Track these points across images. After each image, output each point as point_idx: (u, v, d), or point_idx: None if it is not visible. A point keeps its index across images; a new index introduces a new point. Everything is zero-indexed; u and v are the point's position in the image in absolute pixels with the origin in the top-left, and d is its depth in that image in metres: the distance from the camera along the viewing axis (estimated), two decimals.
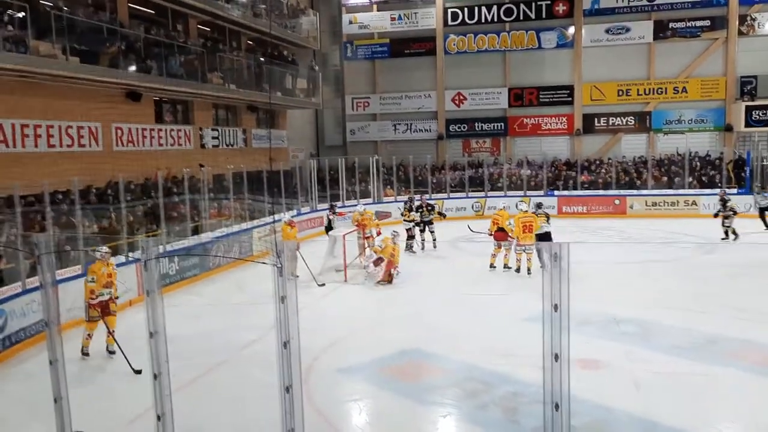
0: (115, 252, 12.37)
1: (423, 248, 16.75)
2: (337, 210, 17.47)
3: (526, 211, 13.87)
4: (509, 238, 13.75)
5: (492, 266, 13.99)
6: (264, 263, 6.66)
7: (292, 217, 16.38)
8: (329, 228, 16.27)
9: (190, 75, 17.06)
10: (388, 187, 24.04)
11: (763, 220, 18.35)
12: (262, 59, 20.86)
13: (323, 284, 13.27)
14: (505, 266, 13.86)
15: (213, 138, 19.56)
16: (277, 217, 17.02)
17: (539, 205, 14.78)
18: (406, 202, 17.77)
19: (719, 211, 17.26)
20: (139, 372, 8.15)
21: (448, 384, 7.95)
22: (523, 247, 13.45)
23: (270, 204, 17.78)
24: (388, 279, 13.18)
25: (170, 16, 17.92)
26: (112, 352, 9.04)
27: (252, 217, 17.03)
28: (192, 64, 17.29)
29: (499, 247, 13.94)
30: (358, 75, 28.47)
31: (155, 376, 5.21)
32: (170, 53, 16.38)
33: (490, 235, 14.20)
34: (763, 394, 7.36)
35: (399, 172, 24.72)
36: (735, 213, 17.10)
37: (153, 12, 17.47)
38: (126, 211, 13.09)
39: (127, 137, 16.17)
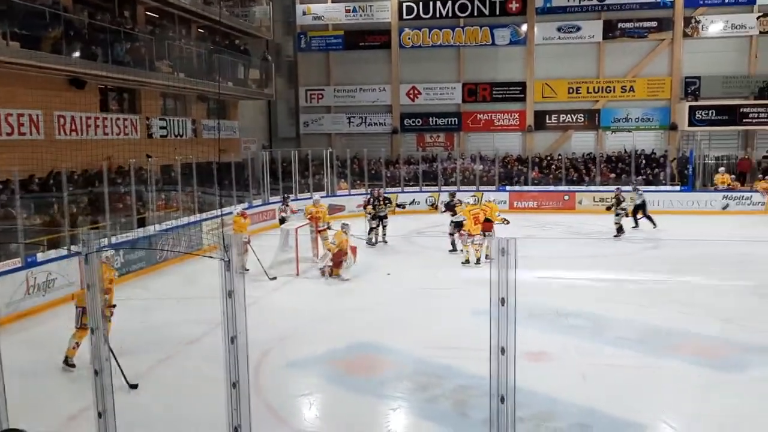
0: (55, 245, 11.96)
1: (375, 243, 16.70)
2: (290, 204, 17.28)
3: (475, 204, 14.12)
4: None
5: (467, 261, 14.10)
6: (211, 257, 6.52)
7: (244, 209, 16.12)
8: (282, 222, 16.16)
9: (138, 63, 16.58)
10: (342, 180, 23.91)
11: (635, 217, 18.47)
12: (212, 48, 20.41)
13: (275, 278, 13.12)
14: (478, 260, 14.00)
15: (161, 128, 19.08)
16: (227, 209, 16.72)
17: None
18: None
19: (612, 206, 17.91)
20: (135, 387, 7.54)
21: (399, 377, 7.95)
22: (472, 239, 13.82)
23: (220, 196, 17.47)
24: (337, 271, 13.09)
25: (117, 1, 17.36)
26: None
27: (201, 209, 16.69)
28: (139, 51, 16.80)
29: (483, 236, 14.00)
30: (312, 66, 28.21)
31: (96, 373, 5.04)
32: (116, 40, 15.87)
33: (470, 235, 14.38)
34: (702, 384, 7.60)
35: (353, 165, 24.63)
36: (626, 213, 17.89)
37: None
38: (68, 202, 12.65)
39: (70, 126, 15.61)
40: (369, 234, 16.67)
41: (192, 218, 15.95)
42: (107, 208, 13.39)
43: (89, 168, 15.45)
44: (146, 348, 8.91)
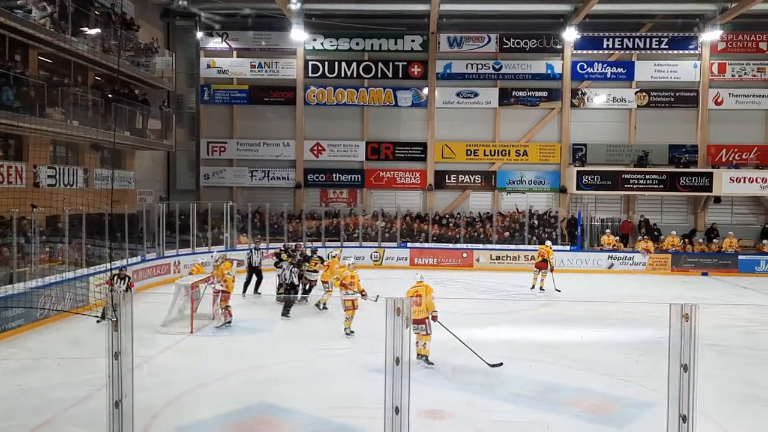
0: None
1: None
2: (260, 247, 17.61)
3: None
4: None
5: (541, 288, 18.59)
6: (96, 317, 6.17)
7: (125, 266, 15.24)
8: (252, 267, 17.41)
9: (27, 108, 15.77)
10: (243, 234, 23.49)
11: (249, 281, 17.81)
12: (109, 96, 19.75)
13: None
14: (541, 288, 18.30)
15: (49, 176, 18.09)
16: (116, 263, 15.93)
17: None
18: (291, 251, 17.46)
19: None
20: None
21: None
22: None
23: (110, 249, 16.65)
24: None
25: (7, 44, 16.57)
26: None
27: (90, 263, 15.79)
28: (29, 96, 16.02)
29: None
30: (215, 119, 27.89)
31: None
32: (5, 84, 15.08)
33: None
34: None
35: (255, 219, 24.29)
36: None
37: None
38: None
39: None
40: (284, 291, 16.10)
41: (79, 272, 15.05)
42: None
43: None
44: (22, 413, 8.20)
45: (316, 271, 16.41)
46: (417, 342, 10.91)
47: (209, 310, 14.16)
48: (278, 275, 16.69)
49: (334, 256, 16.89)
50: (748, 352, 12.24)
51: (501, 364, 10.51)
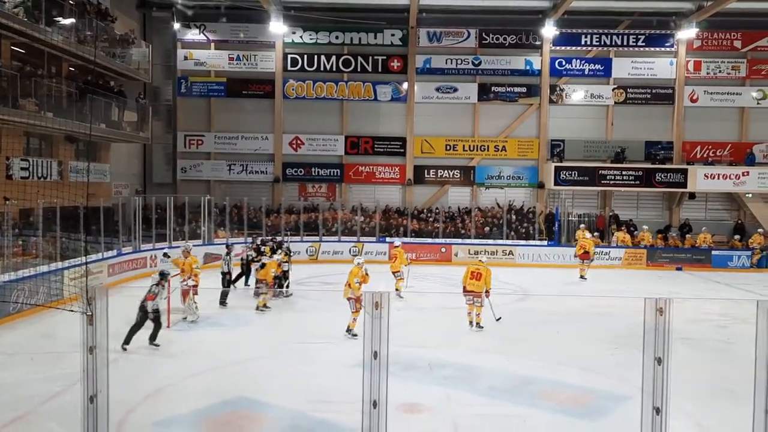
0: None
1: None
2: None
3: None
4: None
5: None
6: (72, 310, 6.09)
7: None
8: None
9: None
10: (221, 228, 23.33)
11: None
12: (84, 87, 19.44)
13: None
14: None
15: (22, 169, 17.78)
16: (92, 257, 15.73)
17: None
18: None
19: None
20: None
21: None
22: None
23: (86, 242, 16.42)
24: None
25: None
26: None
27: (64, 256, 15.56)
28: (1, 87, 15.71)
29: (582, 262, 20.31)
30: (192, 112, 27.60)
31: None
32: None
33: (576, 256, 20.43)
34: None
35: (232, 213, 24.13)
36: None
37: None
38: None
39: None
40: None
41: (53, 266, 14.82)
42: None
43: None
44: None
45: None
46: (469, 312, 13.26)
47: (182, 306, 14.02)
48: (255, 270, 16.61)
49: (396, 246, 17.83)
50: (721, 346, 12.47)
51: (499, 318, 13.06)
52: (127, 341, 11.02)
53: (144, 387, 9.02)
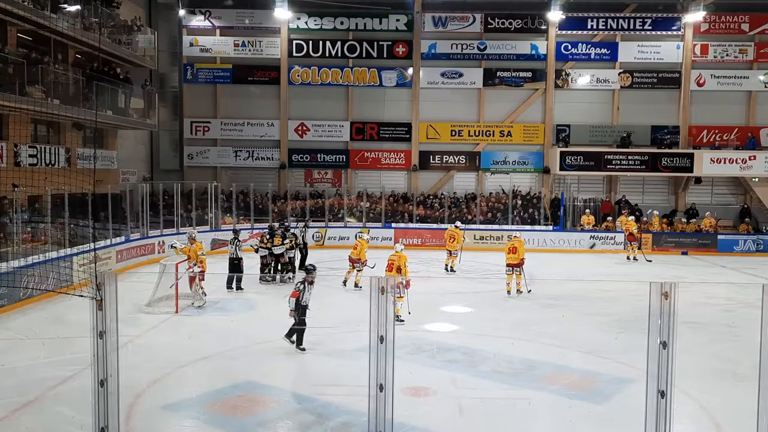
0: None
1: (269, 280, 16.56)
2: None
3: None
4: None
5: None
6: (81, 296, 6.17)
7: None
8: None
9: (7, 86, 15.52)
10: (227, 214, 23.42)
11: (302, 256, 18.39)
12: (90, 74, 19.47)
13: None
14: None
15: (30, 156, 17.87)
16: (101, 243, 15.85)
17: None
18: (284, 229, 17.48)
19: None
20: None
21: (280, 416, 7.82)
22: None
23: (94, 229, 16.54)
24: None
25: None
26: None
27: (73, 243, 15.68)
28: (8, 74, 15.76)
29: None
30: (198, 98, 27.62)
31: None
32: None
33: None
34: (573, 415, 8.03)
35: (239, 199, 24.20)
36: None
37: None
38: None
39: None
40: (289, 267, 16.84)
41: (62, 252, 14.96)
42: None
43: None
44: (5, 392, 8.21)
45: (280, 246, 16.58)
46: (508, 282, 15.32)
47: (189, 291, 14.13)
48: (261, 257, 16.71)
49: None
50: (726, 329, 12.49)
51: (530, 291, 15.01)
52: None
53: (153, 371, 9.14)
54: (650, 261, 21.25)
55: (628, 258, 21.73)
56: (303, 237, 18.55)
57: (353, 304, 13.61)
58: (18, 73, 16.13)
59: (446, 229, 24.12)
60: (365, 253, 15.73)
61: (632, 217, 22.61)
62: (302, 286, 10.46)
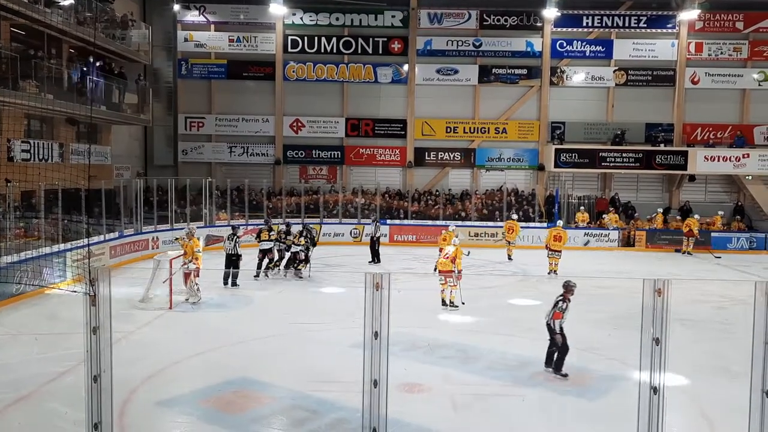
0: None
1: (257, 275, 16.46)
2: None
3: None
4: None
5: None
6: (75, 291, 6.14)
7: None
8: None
9: None
10: (222, 210, 23.38)
11: (373, 248, 19.66)
12: (84, 69, 19.38)
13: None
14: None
15: (23, 151, 17.78)
16: (95, 239, 15.79)
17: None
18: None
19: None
20: None
21: (274, 413, 7.81)
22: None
23: (87, 225, 16.47)
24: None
25: None
26: None
27: (66, 238, 15.62)
28: (1, 68, 15.66)
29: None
30: (193, 94, 27.52)
31: None
32: None
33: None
34: (568, 412, 8.06)
35: (234, 195, 24.16)
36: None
37: None
38: None
39: None
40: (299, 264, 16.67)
41: (55, 248, 14.89)
42: None
43: None
44: None
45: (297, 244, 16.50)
46: (551, 263, 17.27)
47: (183, 287, 14.09)
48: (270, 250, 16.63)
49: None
50: (719, 326, 12.55)
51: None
52: None
53: (147, 367, 9.12)
54: (719, 257, 22.03)
55: (679, 251, 22.99)
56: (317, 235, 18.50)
57: (347, 299, 13.60)
58: (11, 67, 16.02)
59: (442, 225, 24.21)
60: (461, 261, 13.65)
61: (697, 216, 23.59)
62: (564, 305, 9.64)
